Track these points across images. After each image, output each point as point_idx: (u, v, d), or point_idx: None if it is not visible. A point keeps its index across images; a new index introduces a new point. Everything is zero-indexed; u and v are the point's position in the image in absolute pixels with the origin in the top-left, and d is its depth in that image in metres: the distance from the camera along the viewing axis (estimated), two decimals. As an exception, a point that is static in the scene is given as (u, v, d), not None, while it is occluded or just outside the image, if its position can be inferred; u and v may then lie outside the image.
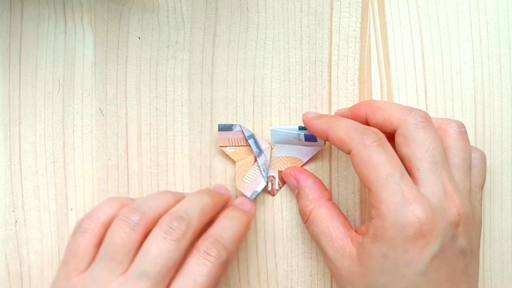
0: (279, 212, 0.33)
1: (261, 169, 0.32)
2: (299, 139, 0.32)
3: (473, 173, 0.29)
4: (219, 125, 0.33)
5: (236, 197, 0.33)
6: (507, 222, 0.34)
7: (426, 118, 0.27)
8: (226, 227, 0.28)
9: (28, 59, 0.33)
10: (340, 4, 0.34)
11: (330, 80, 0.34)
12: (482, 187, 0.30)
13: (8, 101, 0.33)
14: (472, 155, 0.29)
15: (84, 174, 0.33)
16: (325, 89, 0.34)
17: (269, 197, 0.33)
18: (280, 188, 0.33)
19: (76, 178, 0.33)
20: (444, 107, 0.34)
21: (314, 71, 0.34)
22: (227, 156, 0.33)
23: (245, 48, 0.34)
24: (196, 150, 0.33)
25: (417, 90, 0.34)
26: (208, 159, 0.33)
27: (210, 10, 0.34)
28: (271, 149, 0.33)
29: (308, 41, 0.34)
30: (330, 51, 0.34)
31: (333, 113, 0.33)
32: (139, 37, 0.34)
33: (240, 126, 0.33)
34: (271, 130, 0.32)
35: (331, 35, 0.34)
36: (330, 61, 0.34)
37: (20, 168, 0.33)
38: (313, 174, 0.32)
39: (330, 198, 0.31)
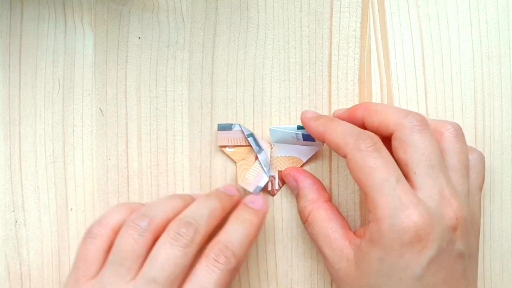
0: (279, 212, 0.33)
1: (263, 165, 0.32)
2: (298, 139, 0.32)
3: (472, 174, 0.29)
4: (218, 124, 0.33)
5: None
6: (507, 222, 0.34)
7: (422, 122, 0.27)
8: (236, 232, 0.28)
9: (28, 59, 0.33)
10: (340, 4, 0.34)
11: (330, 80, 0.34)
12: (481, 188, 0.30)
13: (8, 101, 0.33)
14: (470, 156, 0.29)
15: (84, 174, 0.33)
16: (325, 89, 0.34)
17: (269, 197, 0.33)
18: (280, 188, 0.33)
19: (76, 178, 0.33)
20: (444, 107, 0.34)
21: (314, 71, 0.34)
22: (227, 156, 0.33)
23: (245, 48, 0.34)
24: (196, 150, 0.33)
25: (417, 90, 0.34)
26: (208, 159, 0.33)
27: (210, 10, 0.34)
28: (271, 148, 0.33)
29: (308, 41, 0.34)
30: (330, 51, 0.34)
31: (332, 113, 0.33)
32: (139, 37, 0.34)
33: (240, 126, 0.33)
34: (270, 129, 0.32)
35: (331, 35, 0.34)
36: (330, 61, 0.34)
37: (20, 168, 0.33)
38: (312, 175, 0.32)
39: (329, 199, 0.31)
